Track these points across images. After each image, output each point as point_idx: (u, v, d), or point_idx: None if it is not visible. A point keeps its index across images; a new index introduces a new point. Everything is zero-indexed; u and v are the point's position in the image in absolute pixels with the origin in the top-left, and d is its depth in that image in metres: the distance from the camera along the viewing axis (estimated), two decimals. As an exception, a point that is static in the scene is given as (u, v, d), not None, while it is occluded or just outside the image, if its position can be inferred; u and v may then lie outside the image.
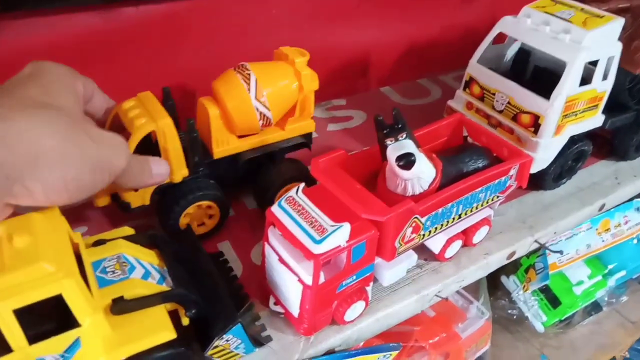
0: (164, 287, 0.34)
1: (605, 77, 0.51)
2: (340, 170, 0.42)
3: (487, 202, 0.47)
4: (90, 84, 0.37)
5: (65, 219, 0.32)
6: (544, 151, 0.52)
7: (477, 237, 0.50)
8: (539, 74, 0.58)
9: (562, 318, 0.92)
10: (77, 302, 0.28)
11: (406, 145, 0.39)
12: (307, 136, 0.52)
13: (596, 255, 0.89)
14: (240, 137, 0.48)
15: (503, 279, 0.93)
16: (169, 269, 0.36)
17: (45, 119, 0.27)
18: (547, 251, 0.83)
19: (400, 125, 0.40)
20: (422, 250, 0.47)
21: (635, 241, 0.90)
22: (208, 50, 0.60)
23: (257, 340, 0.37)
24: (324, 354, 0.41)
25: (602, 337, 0.96)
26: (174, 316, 0.34)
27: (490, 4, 0.83)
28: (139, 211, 0.44)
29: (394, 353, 0.44)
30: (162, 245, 0.38)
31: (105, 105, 0.42)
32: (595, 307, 0.96)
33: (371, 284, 0.41)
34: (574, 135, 0.54)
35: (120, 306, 0.31)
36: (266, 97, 0.46)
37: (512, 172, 0.46)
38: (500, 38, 0.57)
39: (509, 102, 0.53)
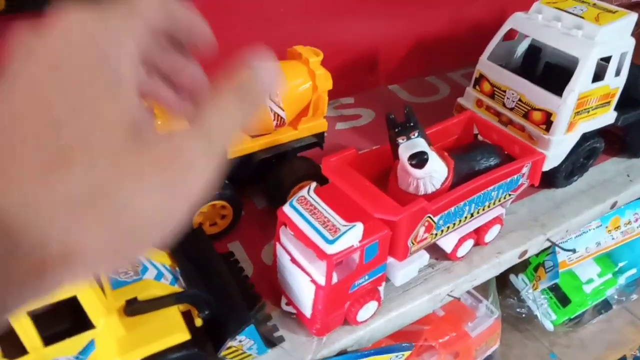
0: (177, 288, 0.34)
1: (617, 73, 0.51)
2: (351, 169, 0.42)
3: (499, 201, 0.46)
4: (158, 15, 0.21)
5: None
6: (556, 149, 0.51)
7: (489, 236, 0.49)
8: (550, 71, 0.58)
9: (572, 316, 0.91)
10: (92, 303, 0.28)
11: (418, 143, 0.39)
12: (320, 136, 0.51)
13: (606, 253, 0.88)
14: (253, 136, 0.48)
15: (512, 277, 0.93)
16: (181, 269, 0.36)
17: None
18: (556, 249, 0.82)
19: (412, 124, 0.40)
20: (434, 249, 0.47)
21: (646, 239, 0.89)
22: (218, 49, 0.59)
23: (270, 341, 0.37)
24: (337, 355, 0.40)
25: (612, 336, 0.95)
26: (187, 317, 0.34)
27: (499, 1, 0.83)
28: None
29: (407, 353, 0.43)
30: (174, 245, 0.38)
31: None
32: (605, 305, 0.96)
33: (383, 283, 0.41)
34: (585, 133, 0.53)
35: (134, 307, 0.31)
36: (280, 97, 0.45)
37: (525, 170, 0.46)
38: (510, 34, 0.57)
39: (520, 100, 0.52)
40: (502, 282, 0.94)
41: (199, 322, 0.34)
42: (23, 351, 0.27)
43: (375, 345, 0.49)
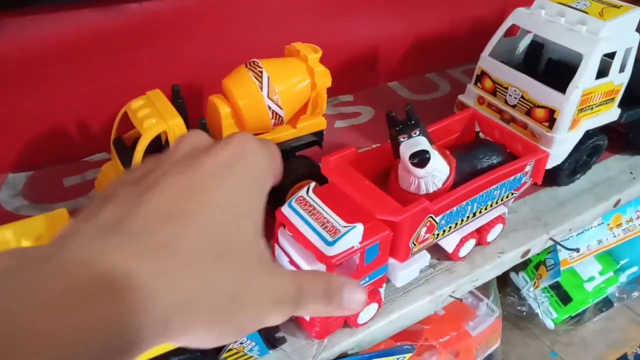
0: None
1: (622, 69, 0.50)
2: (351, 168, 0.41)
3: (502, 200, 0.45)
4: (280, 166, 0.28)
5: (72, 221, 0.31)
6: (559, 146, 0.50)
7: (491, 236, 0.48)
8: (552, 67, 0.57)
9: (573, 315, 0.91)
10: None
11: (420, 142, 0.38)
12: (319, 134, 0.51)
13: (607, 251, 0.88)
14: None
15: (512, 275, 0.92)
16: None
17: (210, 280, 0.20)
18: (557, 247, 0.82)
19: (413, 122, 0.39)
20: (435, 250, 0.46)
21: (647, 236, 0.89)
22: (216, 46, 0.59)
23: (271, 342, 0.36)
24: (337, 357, 0.40)
25: (613, 334, 0.95)
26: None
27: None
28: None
29: (408, 355, 0.43)
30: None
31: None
32: (607, 303, 0.95)
33: (384, 285, 0.40)
34: (589, 130, 0.52)
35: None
36: (279, 95, 0.45)
37: (528, 168, 0.45)
38: (512, 31, 0.56)
39: (522, 97, 0.51)
40: (503, 280, 0.94)
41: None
42: None
43: (375, 347, 0.48)
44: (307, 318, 0.38)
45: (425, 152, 0.37)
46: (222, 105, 0.44)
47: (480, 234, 0.47)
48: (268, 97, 0.44)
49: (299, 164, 0.49)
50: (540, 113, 0.50)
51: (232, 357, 0.35)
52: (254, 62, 0.45)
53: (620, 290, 0.96)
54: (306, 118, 0.49)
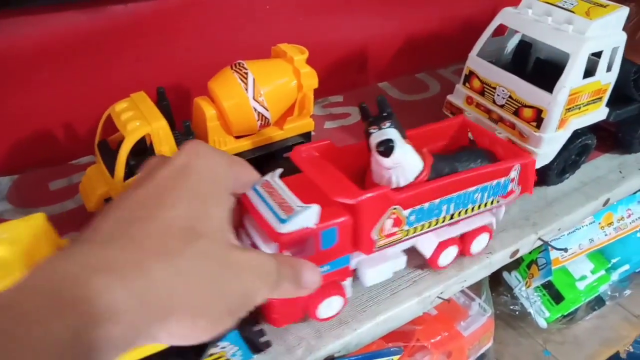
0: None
1: (609, 69, 0.50)
2: (323, 159, 0.40)
3: (485, 206, 0.44)
4: (243, 172, 0.31)
5: (56, 224, 0.31)
6: (547, 146, 0.50)
7: (476, 247, 0.46)
8: (540, 67, 0.57)
9: (566, 313, 0.91)
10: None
11: (388, 133, 0.37)
12: (306, 135, 0.50)
13: (599, 250, 0.88)
14: (237, 137, 0.47)
15: (505, 274, 0.92)
16: None
17: (184, 267, 0.21)
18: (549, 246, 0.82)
19: (385, 114, 0.38)
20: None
21: (638, 234, 0.89)
22: (202, 48, 0.58)
23: (256, 347, 0.36)
24: (324, 360, 0.39)
25: (606, 332, 0.95)
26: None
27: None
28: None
29: (396, 357, 0.42)
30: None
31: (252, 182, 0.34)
32: (599, 301, 0.95)
33: (349, 280, 0.39)
34: (577, 129, 0.52)
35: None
36: (264, 96, 0.44)
37: (513, 174, 0.44)
38: (500, 30, 0.55)
39: (510, 96, 0.51)
40: (496, 280, 0.94)
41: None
42: None
43: (368, 348, 0.48)
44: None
45: (390, 140, 0.37)
46: (207, 107, 0.44)
47: (463, 243, 0.45)
48: (253, 98, 0.44)
49: (286, 166, 0.49)
50: (528, 113, 0.50)
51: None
52: (239, 63, 0.45)
53: (612, 288, 0.96)
54: (293, 119, 0.48)
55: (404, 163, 0.38)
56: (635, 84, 0.54)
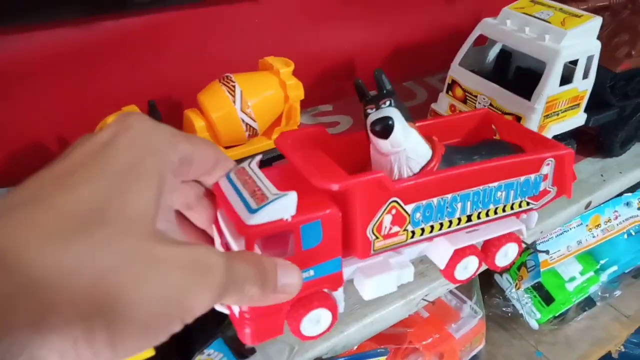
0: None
1: (585, 76, 0.52)
2: (312, 145, 0.34)
3: (511, 208, 0.37)
4: (198, 152, 0.25)
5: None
6: (528, 151, 0.52)
7: (502, 259, 0.39)
8: (521, 75, 0.59)
9: (556, 314, 0.92)
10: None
11: (388, 111, 0.32)
12: (292, 144, 0.52)
13: (588, 251, 0.89)
14: (226, 147, 0.48)
15: (496, 277, 0.94)
16: None
17: (72, 263, 0.16)
18: (538, 248, 0.83)
19: (384, 91, 0.33)
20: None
21: (626, 236, 0.91)
22: (192, 62, 0.60)
23: (241, 353, 0.37)
24: (312, 362, 0.41)
25: (597, 332, 0.97)
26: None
27: (474, 5, 0.84)
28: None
29: (382, 358, 0.44)
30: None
31: (210, 165, 0.28)
32: (589, 302, 0.97)
33: (341, 290, 0.33)
34: (557, 135, 0.54)
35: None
36: (251, 108, 0.46)
37: (546, 169, 0.36)
38: (483, 39, 0.57)
39: (490, 104, 0.53)
40: (488, 282, 0.95)
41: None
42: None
43: (361, 347, 0.49)
44: (236, 313, 0.30)
45: (388, 118, 0.31)
46: (196, 119, 0.46)
47: (485, 253, 0.38)
48: (241, 110, 0.45)
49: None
50: (508, 120, 0.52)
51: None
52: (227, 76, 0.46)
53: (602, 289, 0.98)
54: (281, 129, 0.50)
55: (407, 148, 0.32)
56: (612, 90, 0.56)
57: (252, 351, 0.38)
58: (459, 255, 0.37)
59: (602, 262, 0.92)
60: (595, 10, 0.54)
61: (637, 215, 0.88)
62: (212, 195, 0.29)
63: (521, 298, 0.91)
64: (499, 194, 0.35)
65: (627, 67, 0.54)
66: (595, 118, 0.57)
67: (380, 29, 0.76)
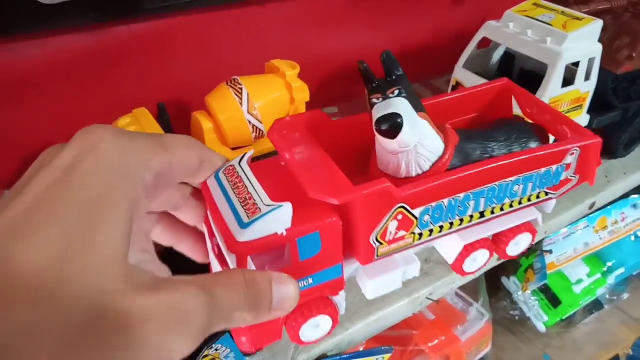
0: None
1: (587, 78, 0.52)
2: (310, 137, 0.31)
3: (529, 200, 0.34)
4: (174, 154, 0.22)
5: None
6: (531, 152, 0.52)
7: (514, 248, 0.37)
8: (524, 77, 0.59)
9: (564, 317, 0.92)
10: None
11: (395, 104, 0.28)
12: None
13: (594, 253, 0.89)
14: (233, 148, 0.49)
15: (503, 279, 0.94)
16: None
17: (41, 325, 0.14)
18: (544, 250, 0.83)
19: (394, 77, 0.29)
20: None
21: (633, 238, 0.90)
22: (200, 65, 0.61)
23: (249, 348, 0.38)
24: (317, 359, 0.41)
25: (604, 335, 0.96)
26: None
27: (479, 8, 0.84)
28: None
29: (387, 356, 0.44)
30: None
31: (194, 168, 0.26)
32: (597, 305, 0.97)
33: (342, 293, 0.31)
34: (560, 136, 0.54)
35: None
36: (258, 110, 0.47)
37: (569, 159, 0.33)
38: (486, 42, 0.58)
39: (494, 105, 0.53)
40: (495, 285, 0.95)
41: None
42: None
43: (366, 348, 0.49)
44: None
45: (395, 115, 0.27)
46: (204, 120, 0.47)
47: (496, 244, 0.36)
48: (248, 112, 0.46)
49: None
50: (511, 121, 0.52)
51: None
52: (234, 79, 0.47)
53: (610, 291, 0.97)
54: (286, 131, 0.51)
55: (420, 147, 0.29)
56: (614, 92, 0.57)
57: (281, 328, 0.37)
58: (468, 249, 0.35)
59: (609, 264, 0.92)
60: (597, 13, 0.54)
61: (644, 218, 0.88)
62: (200, 194, 0.27)
63: (528, 300, 0.91)
64: (515, 187, 0.32)
65: (628, 69, 0.55)
66: (599, 119, 0.58)
67: (386, 31, 0.77)
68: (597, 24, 0.50)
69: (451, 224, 0.32)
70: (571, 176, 0.35)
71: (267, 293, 0.21)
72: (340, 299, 0.32)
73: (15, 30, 0.48)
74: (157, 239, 0.28)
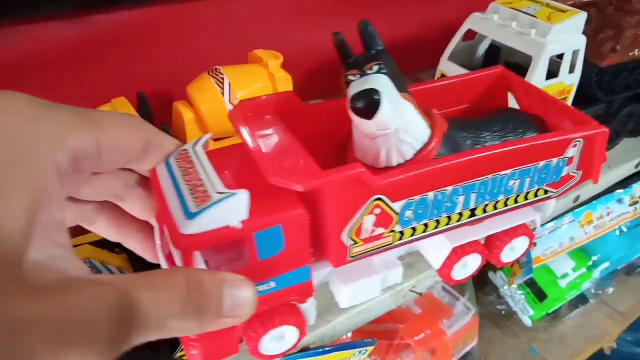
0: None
1: (571, 70, 0.52)
2: (278, 120, 0.27)
3: (526, 198, 0.30)
4: (107, 133, 0.20)
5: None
6: (515, 145, 0.52)
7: (509, 254, 0.33)
8: (509, 69, 0.59)
9: (550, 311, 0.93)
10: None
11: (375, 80, 0.24)
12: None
13: (580, 248, 0.90)
14: (215, 140, 0.49)
15: (490, 274, 0.94)
16: (136, 272, 0.36)
17: None
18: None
19: (373, 51, 0.26)
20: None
21: (618, 232, 0.91)
22: (183, 55, 0.60)
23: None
24: (299, 351, 0.41)
25: (590, 329, 0.97)
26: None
27: (465, 0, 0.84)
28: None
29: (370, 348, 0.44)
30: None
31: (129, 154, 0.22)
32: (582, 299, 0.97)
33: (311, 301, 0.27)
34: (545, 129, 0.54)
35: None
36: (240, 100, 0.46)
37: (572, 152, 0.29)
38: (471, 34, 0.58)
39: (479, 98, 0.53)
40: (482, 280, 0.96)
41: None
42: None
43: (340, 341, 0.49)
44: None
45: (372, 91, 0.24)
46: (185, 111, 0.46)
47: (489, 248, 0.32)
48: (230, 102, 0.46)
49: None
50: (495, 113, 0.52)
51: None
52: (215, 69, 0.47)
53: (595, 286, 0.98)
54: (269, 122, 0.50)
55: (399, 128, 0.25)
56: (598, 85, 0.57)
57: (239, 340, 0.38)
58: (457, 253, 0.30)
59: (594, 258, 0.93)
60: (581, 6, 0.54)
61: (629, 212, 0.89)
62: (149, 182, 0.24)
63: (514, 295, 0.91)
64: (511, 182, 0.28)
65: (612, 62, 0.55)
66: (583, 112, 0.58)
67: (372, 23, 0.76)
68: (582, 17, 0.50)
69: (438, 222, 0.27)
70: (573, 172, 0.31)
71: (215, 298, 0.18)
72: (309, 307, 0.27)
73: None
74: (101, 233, 0.25)
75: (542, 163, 0.29)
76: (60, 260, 0.16)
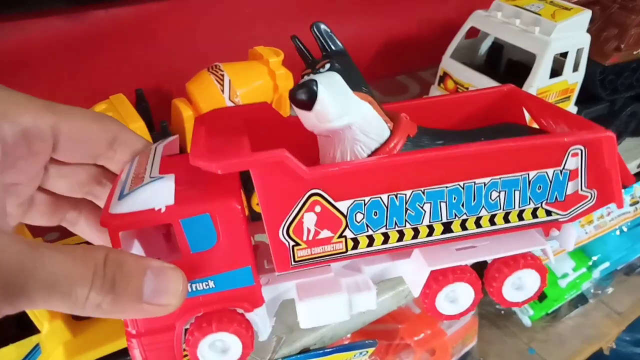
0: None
1: (575, 69, 0.52)
2: (239, 123, 0.26)
3: (522, 218, 0.25)
4: (72, 124, 0.20)
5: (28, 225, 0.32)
6: (518, 144, 0.51)
7: (512, 291, 0.28)
8: (512, 67, 0.59)
9: (549, 311, 0.92)
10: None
11: (320, 75, 0.24)
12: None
13: (580, 248, 0.89)
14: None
15: (489, 274, 0.94)
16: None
17: None
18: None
19: (328, 52, 0.25)
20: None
21: (618, 232, 0.91)
22: (182, 51, 0.60)
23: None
24: (299, 353, 0.40)
25: (589, 329, 0.97)
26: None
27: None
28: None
29: (371, 350, 0.43)
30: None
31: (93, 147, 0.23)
32: (582, 299, 0.97)
33: (261, 312, 0.25)
34: (548, 128, 0.54)
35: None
36: (240, 97, 0.45)
37: (573, 163, 0.25)
38: (474, 32, 0.57)
39: (482, 96, 0.53)
40: (482, 279, 0.95)
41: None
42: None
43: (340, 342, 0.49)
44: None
45: (310, 82, 0.23)
46: (184, 108, 0.45)
47: (487, 280, 0.27)
48: (229, 99, 0.45)
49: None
50: (498, 112, 0.51)
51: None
52: (216, 65, 0.46)
53: (595, 286, 0.98)
54: (270, 120, 0.50)
55: (354, 127, 0.24)
56: (601, 84, 0.56)
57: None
58: (438, 280, 0.26)
59: (594, 258, 0.92)
60: (585, 4, 0.54)
61: (629, 212, 0.88)
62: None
63: (513, 295, 0.91)
64: (494, 194, 0.24)
65: (615, 60, 0.54)
66: (586, 112, 0.57)
67: (373, 22, 0.76)
68: (586, 15, 0.49)
69: (401, 233, 0.24)
70: (584, 191, 0.26)
71: (134, 280, 0.17)
72: (259, 319, 0.24)
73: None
74: (85, 236, 0.25)
75: (532, 173, 0.24)
76: None
